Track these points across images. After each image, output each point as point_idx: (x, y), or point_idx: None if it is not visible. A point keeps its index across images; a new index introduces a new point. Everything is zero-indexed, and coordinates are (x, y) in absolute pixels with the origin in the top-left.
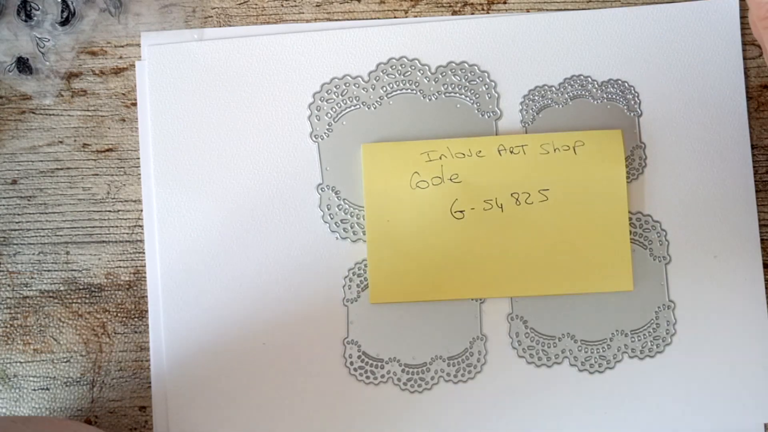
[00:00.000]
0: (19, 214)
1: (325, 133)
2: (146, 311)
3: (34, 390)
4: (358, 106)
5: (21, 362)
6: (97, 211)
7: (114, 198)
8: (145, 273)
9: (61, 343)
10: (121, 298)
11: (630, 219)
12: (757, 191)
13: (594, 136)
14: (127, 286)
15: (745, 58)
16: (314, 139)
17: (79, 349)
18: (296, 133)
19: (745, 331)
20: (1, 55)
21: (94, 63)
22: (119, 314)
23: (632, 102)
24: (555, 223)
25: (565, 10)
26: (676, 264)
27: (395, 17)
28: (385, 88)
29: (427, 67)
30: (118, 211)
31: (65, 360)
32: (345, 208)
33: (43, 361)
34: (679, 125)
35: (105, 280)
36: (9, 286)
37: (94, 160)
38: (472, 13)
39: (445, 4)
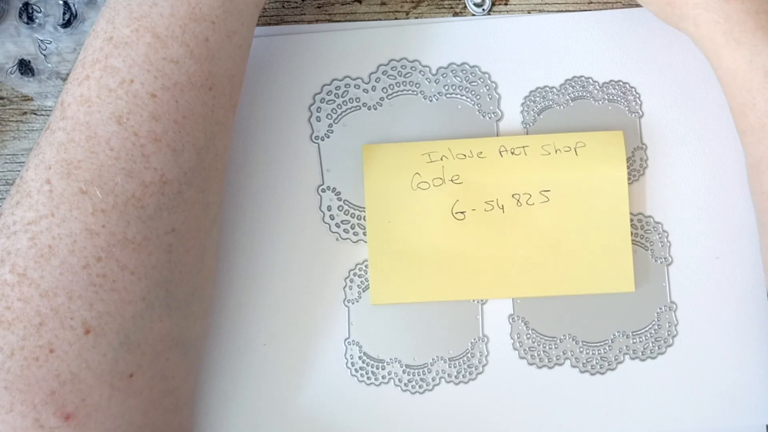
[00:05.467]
0: None
1: (325, 134)
2: None
3: None
4: (358, 108)
5: None
6: None
7: None
8: None
9: None
10: None
11: (631, 220)
12: None
13: (595, 137)
14: None
15: None
16: (314, 140)
17: None
18: (297, 135)
19: (747, 332)
20: (3, 58)
21: None
22: None
23: (633, 103)
24: (556, 224)
25: (566, 11)
26: (677, 265)
27: (396, 18)
28: (385, 90)
29: (427, 69)
30: None
31: None
32: (346, 209)
33: None
34: (680, 126)
35: None
36: None
37: None
38: (473, 15)
39: (446, 6)
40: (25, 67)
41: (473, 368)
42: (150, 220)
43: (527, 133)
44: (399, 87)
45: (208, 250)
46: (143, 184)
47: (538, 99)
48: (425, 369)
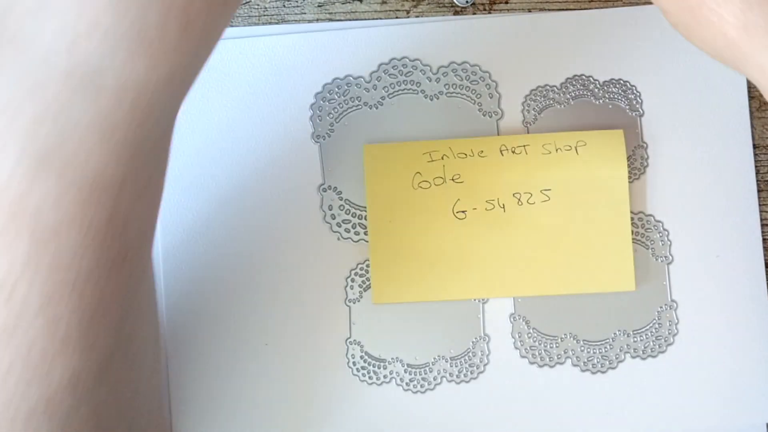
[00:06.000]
0: None
1: (326, 133)
2: None
3: None
4: (359, 107)
5: None
6: None
7: None
8: None
9: None
10: None
11: (632, 219)
12: (758, 191)
13: (596, 136)
14: None
15: None
16: (316, 139)
17: None
18: (298, 134)
19: (747, 331)
20: None
21: None
22: None
23: (634, 102)
24: (557, 223)
25: (566, 9)
26: (678, 264)
27: (397, 17)
28: (386, 89)
29: (428, 68)
30: None
31: None
32: (347, 208)
33: None
34: (680, 125)
35: None
36: None
37: None
38: (474, 13)
39: (446, 4)
40: None
41: (474, 367)
42: (66, 418)
43: (528, 132)
44: (400, 86)
45: (153, 376)
46: (49, 391)
47: (538, 98)
48: (427, 368)
